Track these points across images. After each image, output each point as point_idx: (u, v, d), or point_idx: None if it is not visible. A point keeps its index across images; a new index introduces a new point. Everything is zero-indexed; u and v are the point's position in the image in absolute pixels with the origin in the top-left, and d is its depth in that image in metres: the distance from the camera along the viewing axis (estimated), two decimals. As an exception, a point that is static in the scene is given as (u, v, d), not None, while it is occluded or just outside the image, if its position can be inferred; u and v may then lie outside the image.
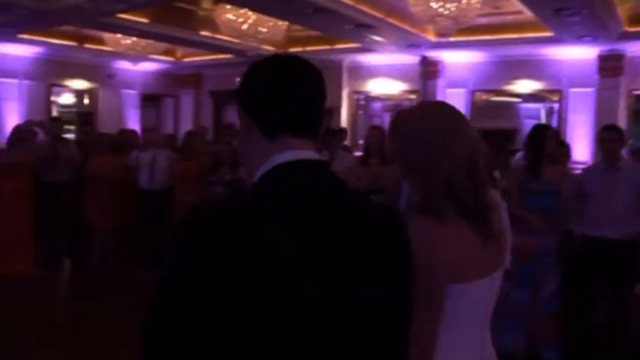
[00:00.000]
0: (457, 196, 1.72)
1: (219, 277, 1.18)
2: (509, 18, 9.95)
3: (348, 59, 13.13)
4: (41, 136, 8.31)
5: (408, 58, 12.27)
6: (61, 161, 7.62)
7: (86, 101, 14.90)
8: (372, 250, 1.36)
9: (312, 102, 1.40)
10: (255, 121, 1.39)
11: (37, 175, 7.57)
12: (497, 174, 6.19)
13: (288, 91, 1.37)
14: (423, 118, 1.82)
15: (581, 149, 10.17)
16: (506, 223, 1.91)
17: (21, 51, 12.66)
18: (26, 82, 13.18)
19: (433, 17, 8.30)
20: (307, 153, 1.37)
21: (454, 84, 12.23)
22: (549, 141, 4.88)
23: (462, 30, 9.39)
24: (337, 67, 13.25)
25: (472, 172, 1.75)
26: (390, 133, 1.92)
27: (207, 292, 1.18)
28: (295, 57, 1.45)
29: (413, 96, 12.85)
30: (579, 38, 9.51)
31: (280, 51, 11.41)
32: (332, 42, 11.86)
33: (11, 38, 11.72)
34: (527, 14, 9.13)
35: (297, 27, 11.45)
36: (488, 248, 1.77)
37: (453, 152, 1.73)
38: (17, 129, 7.72)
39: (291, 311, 1.21)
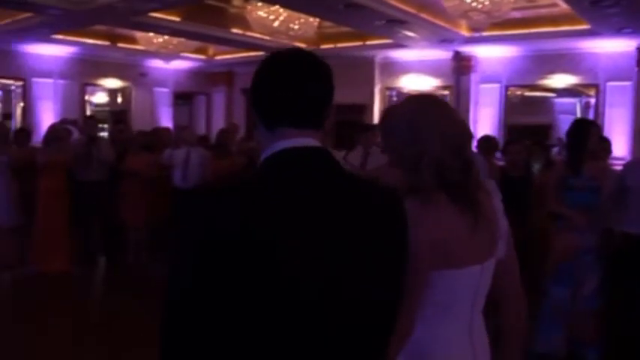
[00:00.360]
0: (447, 176, 1.77)
1: (221, 274, 1.24)
2: (544, 11, 9.76)
3: (380, 55, 13.03)
4: (76, 135, 8.38)
5: (441, 54, 12.13)
6: (95, 160, 7.65)
7: (119, 100, 15.05)
8: (370, 242, 1.40)
9: (304, 92, 1.44)
10: (257, 114, 1.49)
11: (71, 174, 7.62)
12: (535, 169, 6.10)
13: (279, 84, 1.44)
14: (411, 105, 1.92)
15: (619, 144, 9.92)
16: (500, 212, 1.93)
17: (55, 51, 12.81)
18: (61, 81, 13.34)
19: (466, 12, 8.19)
20: (305, 140, 1.42)
21: (487, 79, 12.07)
22: (593, 137, 4.74)
23: (495, 24, 9.24)
24: (369, 63, 13.18)
25: (461, 153, 1.81)
26: (381, 123, 2.00)
27: (210, 289, 1.24)
28: (294, 51, 1.50)
29: (445, 92, 12.71)
30: (618, 30, 9.27)
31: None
32: (364, 38, 11.77)
33: (46, 39, 11.86)
34: (563, 7, 8.96)
35: (328, 23, 11.40)
36: (478, 235, 1.78)
37: (442, 133, 1.79)
38: (52, 128, 7.78)
39: (291, 308, 1.27)
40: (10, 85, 13.33)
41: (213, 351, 1.27)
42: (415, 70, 12.98)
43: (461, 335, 1.84)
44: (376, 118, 13.02)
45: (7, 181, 7.10)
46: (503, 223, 1.92)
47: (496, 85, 11.97)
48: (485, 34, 10.23)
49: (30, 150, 7.48)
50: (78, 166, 7.66)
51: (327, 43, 12.38)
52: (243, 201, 1.31)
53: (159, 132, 8.72)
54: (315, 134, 1.45)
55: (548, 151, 7.10)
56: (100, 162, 7.61)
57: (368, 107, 13.30)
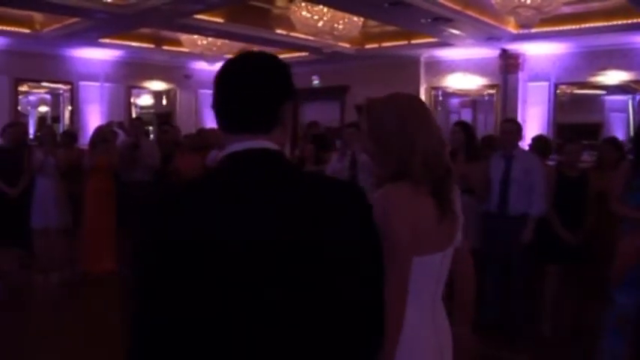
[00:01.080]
0: (433, 170, 1.93)
1: (166, 272, 1.36)
2: (596, 5, 9.46)
3: (426, 54, 12.84)
4: (122, 136, 8.43)
5: (488, 52, 11.89)
6: (140, 161, 7.67)
7: (164, 102, 15.18)
8: (306, 236, 1.40)
9: (237, 99, 1.51)
10: None
11: (117, 175, 7.66)
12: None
13: (217, 92, 1.54)
14: (399, 99, 2.06)
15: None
16: (459, 207, 2.10)
17: (102, 55, 12.98)
18: (107, 84, 13.51)
19: (515, 8, 7.97)
20: (250, 143, 1.48)
21: (536, 77, 11.77)
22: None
23: (544, 20, 8.98)
24: (414, 62, 13.00)
25: (442, 154, 2.00)
26: (368, 114, 2.05)
27: (161, 284, 1.36)
28: (238, 56, 1.59)
29: (492, 91, 12.48)
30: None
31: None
32: (409, 37, 11.61)
33: (93, 43, 12.03)
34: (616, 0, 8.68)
35: (373, 23, 11.31)
36: (444, 225, 1.97)
37: (430, 131, 1.98)
38: (99, 130, 7.84)
39: (225, 298, 1.35)
40: (58, 89, 13.55)
41: (173, 334, 1.37)
42: (461, 69, 12.76)
43: (425, 320, 1.97)
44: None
45: (54, 183, 7.18)
46: (462, 217, 2.10)
47: (545, 84, 11.66)
48: (534, 30, 9.95)
49: (77, 152, 7.56)
50: (123, 167, 7.70)
51: (372, 42, 12.27)
52: (179, 206, 1.42)
53: (204, 133, 8.69)
54: (267, 136, 1.49)
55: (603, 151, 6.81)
56: (145, 163, 7.63)
57: (413, 107, 13.13)
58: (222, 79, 1.55)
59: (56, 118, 13.84)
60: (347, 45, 12.11)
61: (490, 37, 10.58)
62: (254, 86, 1.51)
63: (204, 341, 1.35)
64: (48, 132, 7.49)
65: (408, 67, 12.98)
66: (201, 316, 1.35)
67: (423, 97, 13.15)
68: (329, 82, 14.43)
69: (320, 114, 14.33)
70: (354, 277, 1.45)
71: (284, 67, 1.57)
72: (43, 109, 14.53)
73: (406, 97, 2.12)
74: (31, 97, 14.28)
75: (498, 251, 5.57)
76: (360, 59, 13.08)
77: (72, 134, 8.06)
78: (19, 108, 13.10)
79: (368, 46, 12.41)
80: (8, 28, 11.21)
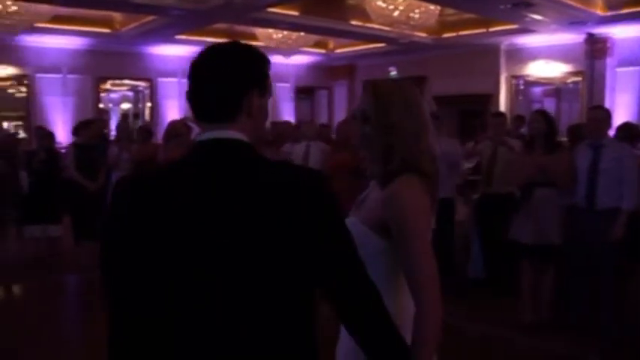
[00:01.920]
0: (431, 153, 1.92)
1: (119, 239, 1.48)
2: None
3: (506, 42, 12.41)
4: (196, 131, 8.45)
5: (572, 37, 11.34)
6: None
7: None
8: (256, 222, 1.43)
9: (201, 90, 1.54)
10: None
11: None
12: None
13: (188, 83, 1.57)
14: (401, 83, 2.00)
15: None
16: None
17: (179, 51, 13.15)
18: (184, 80, 13.63)
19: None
20: (214, 133, 1.50)
21: (626, 62, 11.14)
22: None
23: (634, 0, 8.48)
24: (494, 51, 12.61)
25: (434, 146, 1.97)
26: (374, 97, 1.93)
27: (122, 260, 1.47)
28: (207, 47, 1.61)
29: (577, 78, 11.95)
30: None
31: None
32: (488, 25, 11.25)
33: (170, 40, 12.24)
34: None
35: (450, 11, 11.01)
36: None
37: (427, 117, 1.94)
38: (172, 125, 7.87)
39: (176, 279, 1.43)
40: (138, 85, 13.86)
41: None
42: (544, 56, 12.26)
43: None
44: (502, 108, 12.42)
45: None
46: None
47: (636, 69, 11.03)
48: (623, 11, 9.41)
49: (152, 147, 7.58)
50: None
51: (449, 31, 11.98)
52: (144, 187, 1.50)
53: (278, 126, 8.61)
54: (232, 125, 1.51)
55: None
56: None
57: (493, 97, 12.73)
58: (191, 70, 1.57)
59: (137, 115, 14.16)
60: (424, 35, 11.85)
61: (574, 21, 10.06)
62: (217, 76, 1.54)
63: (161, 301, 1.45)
64: (123, 128, 7.60)
65: (487, 55, 12.59)
66: (155, 279, 1.45)
67: (503, 86, 12.78)
68: (406, 73, 14.15)
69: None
70: (298, 260, 1.48)
71: (252, 56, 1.59)
72: (126, 105, 14.93)
73: (404, 80, 2.09)
74: (114, 95, 14.69)
75: (584, 248, 5.23)
76: (437, 49, 12.79)
77: (148, 130, 8.12)
78: (102, 105, 13.47)
79: (445, 36, 12.11)
80: (90, 29, 11.55)
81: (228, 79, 1.53)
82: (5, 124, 12.72)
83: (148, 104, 13.73)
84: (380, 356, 1.60)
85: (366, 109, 1.93)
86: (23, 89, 12.66)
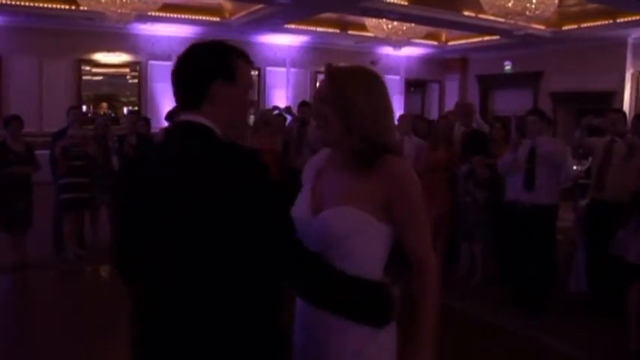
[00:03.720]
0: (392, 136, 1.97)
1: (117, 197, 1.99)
2: None
3: (634, 35, 11.49)
4: (290, 120, 8.31)
5: None
6: (305, 146, 7.47)
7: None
8: (192, 197, 1.57)
9: (174, 80, 1.74)
10: None
11: (282, 161, 7.52)
12: None
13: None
14: (365, 68, 2.00)
15: None
16: None
17: (288, 41, 13.16)
18: (293, 70, 13.70)
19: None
20: (185, 117, 1.70)
21: None
22: None
23: None
24: (620, 44, 11.74)
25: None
26: (325, 79, 1.98)
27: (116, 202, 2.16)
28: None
29: None
30: None
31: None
32: (613, 15, 10.47)
33: (279, 29, 12.25)
34: None
35: (571, 0, 10.30)
36: None
37: (387, 101, 1.96)
38: (262, 114, 7.77)
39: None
40: (246, 74, 13.97)
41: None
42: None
43: None
44: (626, 107, 11.48)
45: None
46: None
47: None
48: None
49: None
50: (288, 152, 7.62)
51: (570, 23, 11.28)
52: (126, 168, 1.99)
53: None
54: (199, 112, 1.68)
55: None
56: (310, 148, 7.38)
57: (616, 95, 11.83)
58: (174, 64, 1.75)
59: (247, 103, 14.30)
60: (541, 27, 11.20)
61: None
62: (182, 68, 1.72)
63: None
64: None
65: (612, 49, 11.72)
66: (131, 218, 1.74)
67: (628, 84, 11.86)
68: (521, 68, 13.53)
69: (510, 102, 13.52)
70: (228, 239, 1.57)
71: (217, 49, 1.73)
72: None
73: (366, 66, 2.07)
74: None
75: None
76: (556, 42, 12.04)
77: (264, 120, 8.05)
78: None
79: (565, 28, 11.40)
80: (200, 17, 11.71)
81: (190, 70, 1.72)
82: (125, 109, 13.15)
83: (256, 93, 13.81)
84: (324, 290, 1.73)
85: (324, 91, 1.94)
86: (135, 75, 13.08)
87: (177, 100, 1.74)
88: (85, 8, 9.70)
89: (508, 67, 13.95)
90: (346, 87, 1.90)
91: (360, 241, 1.80)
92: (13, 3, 10.57)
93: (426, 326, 1.82)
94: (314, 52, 13.85)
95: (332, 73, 1.99)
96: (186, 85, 1.72)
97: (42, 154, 7.11)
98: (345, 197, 1.86)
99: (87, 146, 6.95)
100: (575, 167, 6.84)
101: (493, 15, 9.97)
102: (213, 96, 1.68)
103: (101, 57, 12.63)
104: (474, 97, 15.10)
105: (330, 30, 12.81)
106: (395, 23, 11.58)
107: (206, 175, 1.58)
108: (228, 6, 11.76)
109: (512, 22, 9.72)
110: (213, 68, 1.69)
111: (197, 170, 1.58)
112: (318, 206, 1.89)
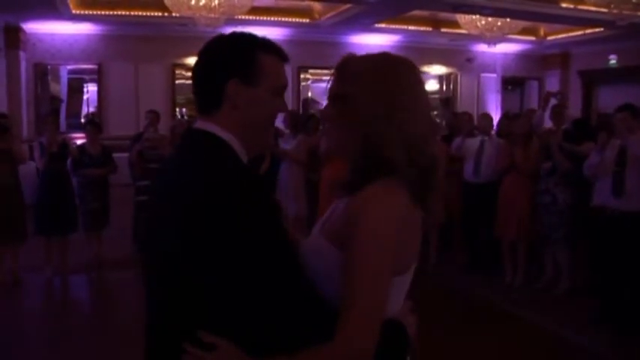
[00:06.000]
0: (418, 162, 1.45)
1: None
2: None
3: None
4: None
5: None
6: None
7: (444, 87, 14.88)
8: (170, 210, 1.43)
9: (192, 84, 1.56)
10: None
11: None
12: None
13: None
14: (389, 66, 1.51)
15: None
16: None
17: (378, 40, 12.99)
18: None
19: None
20: (197, 124, 1.53)
21: None
22: None
23: None
24: None
25: (432, 139, 1.55)
26: (341, 74, 1.53)
27: None
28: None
29: None
30: None
31: None
32: None
33: (368, 28, 12.16)
34: None
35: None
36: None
37: (422, 111, 1.52)
38: (293, 116, 7.53)
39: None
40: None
41: None
42: None
43: None
44: None
45: (290, 170, 7.02)
46: None
47: None
48: None
49: (317, 139, 7.23)
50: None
51: (681, 11, 10.35)
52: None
53: (459, 117, 7.83)
54: (213, 117, 1.49)
55: None
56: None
57: None
58: None
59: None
60: (647, 18, 10.40)
61: None
62: (196, 70, 1.52)
63: None
64: (290, 118, 7.33)
65: None
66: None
67: None
68: (628, 62, 12.71)
69: (618, 98, 12.69)
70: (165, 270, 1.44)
71: (230, 45, 1.49)
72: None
73: (397, 60, 1.55)
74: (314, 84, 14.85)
75: None
76: (667, 32, 11.16)
77: (316, 119, 7.69)
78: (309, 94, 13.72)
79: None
80: (289, 19, 11.77)
81: (202, 72, 1.51)
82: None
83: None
84: None
85: (329, 87, 1.55)
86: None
87: (195, 105, 1.56)
88: (177, 14, 9.92)
89: (613, 61, 13.19)
90: (353, 80, 1.48)
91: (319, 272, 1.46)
92: (110, 13, 11.02)
93: None
94: (407, 51, 13.51)
95: (339, 63, 1.56)
96: (198, 86, 1.53)
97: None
98: (323, 224, 1.54)
99: (163, 149, 7.00)
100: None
101: (594, 5, 9.52)
102: (229, 98, 1.46)
103: (194, 61, 12.83)
104: (576, 94, 14.41)
105: (422, 28, 12.56)
106: (489, 19, 11.11)
107: (181, 196, 1.39)
108: (317, 7, 11.73)
109: (615, 11, 9.15)
110: (227, 65, 1.47)
111: (177, 188, 1.42)
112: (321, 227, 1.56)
